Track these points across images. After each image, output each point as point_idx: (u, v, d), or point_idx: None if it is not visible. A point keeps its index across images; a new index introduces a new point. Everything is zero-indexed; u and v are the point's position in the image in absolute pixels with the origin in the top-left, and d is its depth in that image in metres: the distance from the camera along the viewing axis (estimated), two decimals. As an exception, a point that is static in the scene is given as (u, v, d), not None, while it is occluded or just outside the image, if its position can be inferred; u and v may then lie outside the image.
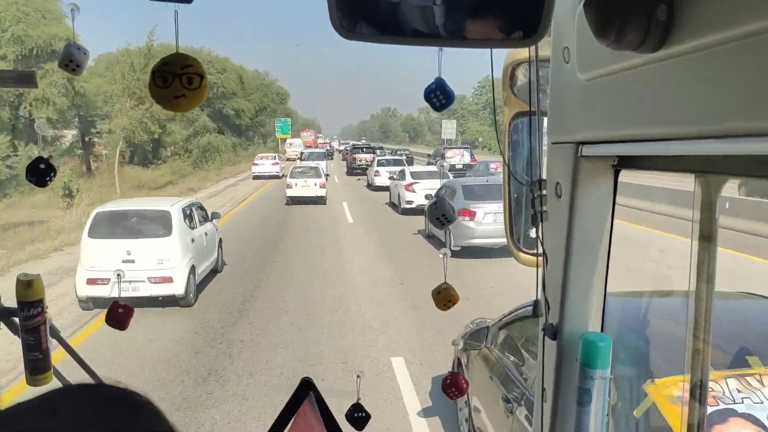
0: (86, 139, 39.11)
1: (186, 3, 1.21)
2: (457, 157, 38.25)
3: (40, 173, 1.43)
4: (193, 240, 11.54)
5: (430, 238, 17.31)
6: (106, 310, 1.63)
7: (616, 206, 1.33)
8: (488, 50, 1.32)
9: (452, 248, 14.71)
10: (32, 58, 33.22)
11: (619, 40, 0.88)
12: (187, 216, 11.84)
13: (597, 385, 1.30)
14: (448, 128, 65.93)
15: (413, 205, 21.90)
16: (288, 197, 26.28)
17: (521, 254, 1.89)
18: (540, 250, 1.38)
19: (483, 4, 1.05)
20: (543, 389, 1.45)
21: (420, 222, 18.89)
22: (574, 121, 1.26)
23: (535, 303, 1.42)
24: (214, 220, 13.42)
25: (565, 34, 1.23)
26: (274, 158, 43.05)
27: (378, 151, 47.58)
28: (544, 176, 1.46)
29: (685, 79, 0.88)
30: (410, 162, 39.78)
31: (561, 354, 1.39)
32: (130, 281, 10.30)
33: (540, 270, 1.42)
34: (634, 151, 1.12)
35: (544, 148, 1.61)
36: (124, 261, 10.42)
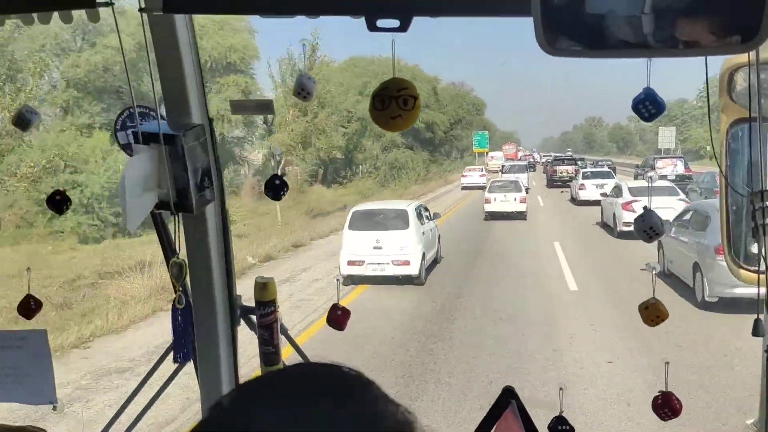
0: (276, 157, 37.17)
1: (402, 32, 1.35)
2: (669, 167, 34.48)
3: (275, 188, 1.65)
4: (423, 233, 14.87)
5: (668, 277, 12.87)
6: (327, 312, 1.80)
7: None
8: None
9: (707, 299, 11.10)
10: (206, 71, 32.01)
11: None
12: (418, 214, 15.29)
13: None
14: (666, 136, 60.46)
15: (630, 228, 17.98)
16: (486, 212, 25.33)
17: (741, 271, 1.79)
18: (762, 267, 1.30)
19: (696, 10, 1.04)
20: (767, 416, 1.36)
21: (641, 248, 14.27)
22: None
23: (756, 322, 1.34)
24: (434, 219, 16.91)
25: None
26: (481, 170, 47.34)
27: (579, 163, 46.17)
28: (767, 186, 1.37)
29: None
30: (614, 172, 37.80)
31: None
32: (378, 263, 13.93)
33: (763, 288, 1.33)
34: None
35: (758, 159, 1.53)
36: (374, 248, 14.01)
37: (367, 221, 14.74)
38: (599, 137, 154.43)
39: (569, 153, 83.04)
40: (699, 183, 27.49)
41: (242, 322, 1.87)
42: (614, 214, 20.47)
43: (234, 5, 1.48)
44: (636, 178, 37.00)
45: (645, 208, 1.47)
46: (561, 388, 1.77)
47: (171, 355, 1.84)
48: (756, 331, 1.35)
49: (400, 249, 13.92)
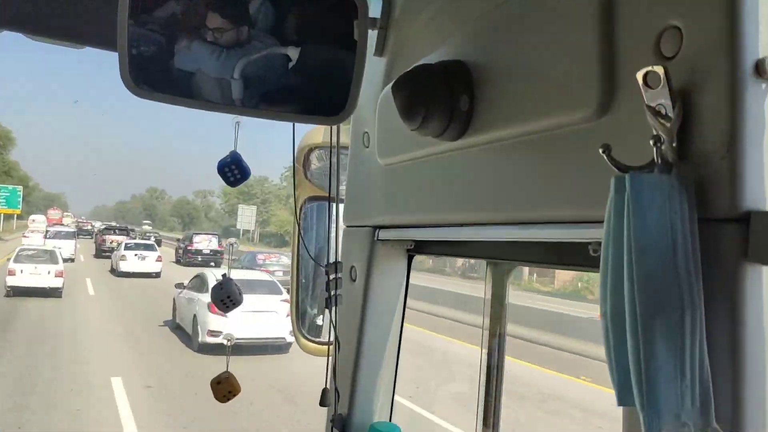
0: None
1: None
2: (205, 242, 40.67)
3: None
4: None
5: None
6: None
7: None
8: (291, 127, 1.34)
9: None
10: None
11: (425, 126, 0.94)
12: None
13: (387, 478, 1.29)
14: (246, 215, 62.29)
15: (218, 339, 13.32)
16: (9, 287, 21.47)
17: (308, 343, 1.87)
18: (333, 335, 1.37)
19: (290, 81, 1.08)
20: None
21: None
22: (371, 206, 1.31)
23: (323, 392, 1.39)
24: None
25: (365, 119, 1.29)
26: (45, 233, 43.39)
27: (132, 233, 47.79)
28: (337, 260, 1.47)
29: (481, 168, 0.96)
30: (159, 244, 40.53)
31: None
32: None
33: (331, 357, 1.40)
34: (429, 236, 1.18)
35: (333, 233, 1.64)
36: None
37: None
38: (161, 210, 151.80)
39: (147, 223, 79.82)
40: (242, 261, 30.34)
41: None
42: (195, 318, 15.18)
43: None
44: (177, 250, 41.86)
45: (224, 275, 1.44)
46: None
47: None
48: (323, 401, 1.40)
49: None
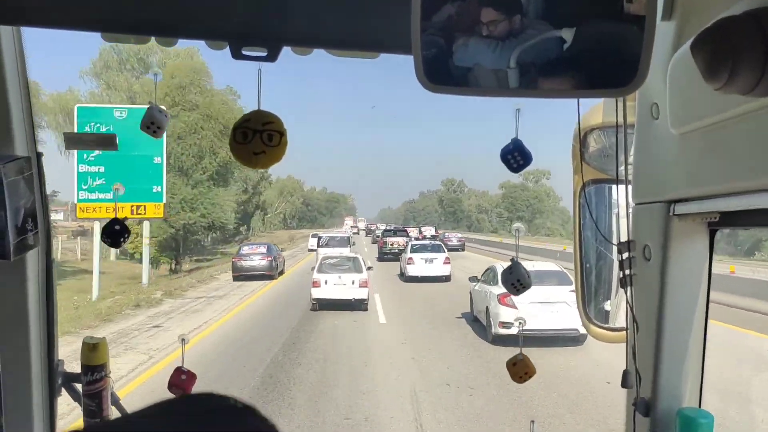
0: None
1: (270, 61, 1.22)
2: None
3: (115, 234, 1.41)
4: None
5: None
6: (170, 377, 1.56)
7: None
8: (574, 105, 1.28)
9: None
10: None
11: (731, 83, 0.82)
12: None
13: (700, 466, 1.16)
14: None
15: (512, 330, 12.87)
16: (314, 300, 19.13)
17: (595, 328, 1.78)
18: (630, 316, 1.27)
19: (568, 60, 1.04)
20: None
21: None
22: (665, 179, 1.20)
23: (624, 374, 1.30)
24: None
25: (652, 89, 1.19)
26: (317, 240, 37.60)
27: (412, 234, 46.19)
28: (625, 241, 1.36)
29: None
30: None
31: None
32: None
33: (629, 339, 1.30)
34: (738, 205, 1.03)
35: (614, 214, 1.55)
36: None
37: None
38: (466, 204, 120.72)
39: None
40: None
41: (63, 391, 1.55)
42: (487, 309, 14.77)
43: (77, 19, 1.26)
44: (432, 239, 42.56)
45: (512, 260, 1.42)
46: (532, 421, 1.64)
47: None
48: (625, 383, 1.31)
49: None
